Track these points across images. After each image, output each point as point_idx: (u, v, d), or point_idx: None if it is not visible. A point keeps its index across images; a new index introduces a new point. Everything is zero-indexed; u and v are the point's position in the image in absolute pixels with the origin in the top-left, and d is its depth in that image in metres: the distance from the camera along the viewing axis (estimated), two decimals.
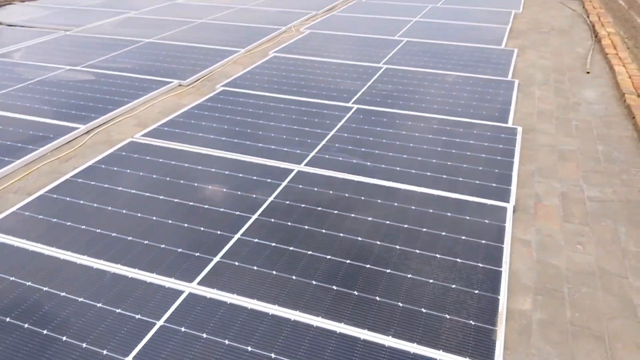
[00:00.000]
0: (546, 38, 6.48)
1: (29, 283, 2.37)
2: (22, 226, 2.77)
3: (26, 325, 2.13)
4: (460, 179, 3.21)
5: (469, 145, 3.64)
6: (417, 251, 2.55)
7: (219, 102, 4.44)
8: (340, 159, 3.48)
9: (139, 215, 2.86)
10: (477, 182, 3.17)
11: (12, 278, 2.40)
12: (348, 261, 2.48)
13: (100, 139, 3.85)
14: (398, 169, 3.32)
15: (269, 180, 3.21)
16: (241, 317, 2.16)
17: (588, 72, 5.24)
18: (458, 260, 2.49)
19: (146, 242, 2.64)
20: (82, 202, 2.99)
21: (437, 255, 2.52)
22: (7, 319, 2.16)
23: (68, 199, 3.02)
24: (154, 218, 2.84)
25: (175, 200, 3.01)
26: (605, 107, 4.37)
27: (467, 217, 2.82)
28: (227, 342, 2.04)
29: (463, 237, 2.65)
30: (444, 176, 3.23)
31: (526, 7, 8.25)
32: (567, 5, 8.38)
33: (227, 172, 3.31)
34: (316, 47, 6.01)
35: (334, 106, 4.34)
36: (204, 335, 2.07)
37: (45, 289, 2.33)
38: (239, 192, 3.08)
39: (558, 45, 6.16)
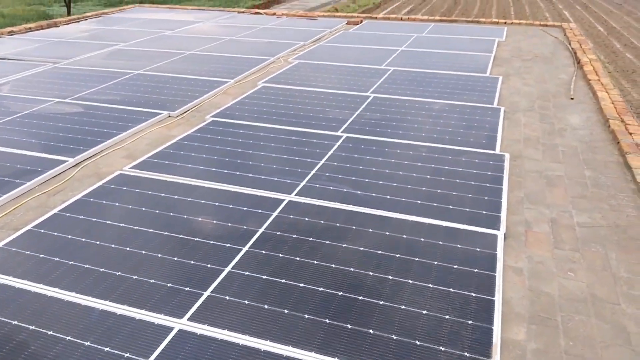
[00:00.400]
0: (530, 65, 6.63)
1: (15, 322, 2.30)
2: (8, 263, 2.72)
3: None
4: (451, 206, 3.22)
5: (457, 172, 3.67)
6: (410, 281, 2.54)
7: (208, 132, 4.45)
8: (331, 188, 3.48)
9: (128, 249, 2.82)
10: (467, 209, 3.18)
11: None
12: (340, 293, 2.46)
13: (89, 171, 3.82)
14: (388, 197, 3.33)
15: (259, 211, 3.20)
16: (233, 354, 2.11)
17: (572, 98, 5.35)
18: (451, 290, 2.48)
19: (135, 277, 2.60)
20: (70, 236, 2.94)
21: (430, 285, 2.51)
22: None
23: (56, 233, 2.97)
24: (143, 252, 2.80)
25: (165, 233, 2.98)
26: (590, 133, 4.45)
27: (459, 246, 2.82)
28: None
29: (455, 266, 2.65)
30: (434, 204, 3.25)
31: (509, 35, 8.46)
32: (548, 33, 8.61)
33: (217, 204, 3.29)
34: (305, 77, 6.08)
35: (323, 135, 4.37)
36: None
37: (31, 327, 2.27)
38: (229, 224, 3.06)
39: (541, 72, 6.30)
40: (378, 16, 10.17)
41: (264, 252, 2.79)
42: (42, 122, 4.67)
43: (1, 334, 2.23)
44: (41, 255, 2.78)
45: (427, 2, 27.24)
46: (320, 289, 2.49)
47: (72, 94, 5.46)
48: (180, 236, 2.94)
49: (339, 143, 4.20)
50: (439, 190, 3.41)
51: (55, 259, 2.74)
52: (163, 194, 3.41)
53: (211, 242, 2.89)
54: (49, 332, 2.25)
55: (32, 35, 8.49)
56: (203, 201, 3.32)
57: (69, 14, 15.12)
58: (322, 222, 3.08)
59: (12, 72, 6.35)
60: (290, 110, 4.99)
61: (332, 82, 5.87)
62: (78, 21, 9.86)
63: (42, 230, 3.01)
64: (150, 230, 3.00)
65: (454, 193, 3.38)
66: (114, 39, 8.16)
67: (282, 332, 2.23)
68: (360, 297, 2.43)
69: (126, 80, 5.96)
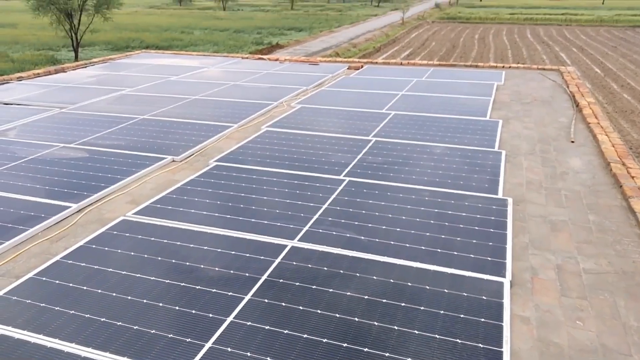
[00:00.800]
0: (529, 109, 6.72)
1: None
2: (8, 312, 2.68)
3: None
4: (455, 252, 3.19)
5: (461, 217, 3.66)
6: (416, 332, 2.49)
7: (212, 177, 4.48)
8: (334, 233, 3.47)
9: (129, 298, 2.79)
10: (472, 255, 3.16)
11: None
12: (345, 345, 2.41)
13: (92, 217, 3.83)
14: (392, 242, 3.31)
15: (262, 257, 3.18)
16: None
17: (572, 142, 5.40)
18: (458, 340, 2.43)
19: (136, 327, 2.55)
20: (71, 284, 2.92)
21: (437, 336, 2.46)
22: None
23: (57, 281, 2.95)
24: (144, 301, 2.77)
25: (167, 281, 2.95)
26: (592, 176, 4.47)
27: (464, 294, 2.78)
28: None
29: (462, 315, 2.60)
30: (439, 250, 3.22)
31: (507, 79, 8.62)
32: (546, 77, 8.78)
33: (219, 250, 3.27)
34: (307, 121, 6.17)
35: (326, 179, 4.39)
36: None
37: None
38: (232, 271, 3.04)
39: (541, 116, 6.38)
40: (378, 61, 10.41)
41: (266, 300, 2.75)
42: (46, 167, 4.71)
43: None
44: (42, 305, 2.74)
45: (425, 46, 27.92)
46: (324, 340, 2.44)
47: (77, 139, 5.53)
48: (182, 284, 2.91)
49: (341, 187, 4.22)
50: (442, 236, 3.40)
51: (56, 308, 2.71)
52: (166, 240, 3.39)
53: (213, 290, 2.86)
54: None
55: (40, 81, 8.68)
56: (206, 247, 3.30)
57: (76, 58, 15.52)
58: (325, 268, 3.05)
59: (19, 118, 6.46)
60: (294, 154, 5.03)
61: (334, 126, 5.95)
62: (85, 66, 10.11)
63: (44, 278, 2.98)
64: (152, 277, 2.98)
65: (458, 239, 3.36)
66: (120, 84, 8.34)
67: None
68: (366, 349, 2.38)
69: (131, 125, 6.05)
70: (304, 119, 6.26)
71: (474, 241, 3.33)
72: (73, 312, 2.68)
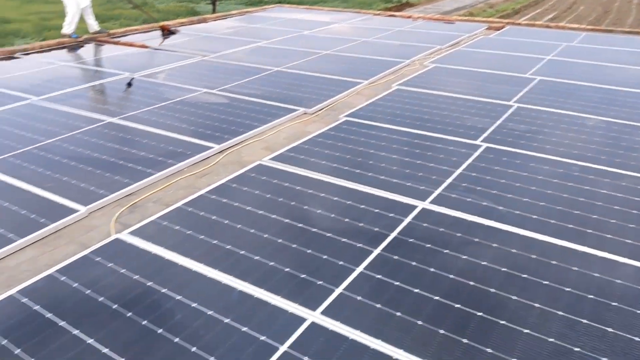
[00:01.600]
0: None
1: (164, 290, 2.49)
2: (160, 235, 2.96)
3: (159, 331, 2.24)
4: (608, 235, 2.87)
5: (616, 199, 3.28)
6: (560, 312, 2.30)
7: (342, 131, 4.49)
8: (469, 199, 3.30)
9: (265, 236, 2.93)
10: (629, 241, 2.82)
11: (150, 283, 2.55)
12: (480, 314, 2.30)
13: (232, 159, 4.06)
14: (534, 217, 3.07)
15: (391, 215, 3.13)
16: (364, 357, 2.07)
17: None
18: (609, 329, 2.20)
19: (271, 263, 2.68)
20: (214, 217, 3.13)
21: (584, 320, 2.25)
22: (144, 322, 2.28)
23: (202, 213, 3.18)
24: (279, 240, 2.89)
25: (299, 225, 3.04)
26: None
27: (618, 281, 2.50)
28: None
29: (614, 304, 2.35)
30: (589, 230, 2.92)
31: None
32: None
33: (348, 202, 3.29)
34: (441, 82, 5.89)
35: (460, 143, 4.18)
36: None
37: (178, 297, 2.44)
38: (361, 224, 3.04)
39: None
40: (521, 22, 9.55)
41: (396, 257, 2.72)
42: (191, 109, 5.06)
43: (151, 300, 2.43)
44: (188, 232, 2.99)
45: (572, 10, 25.12)
46: (456, 306, 2.36)
47: (218, 85, 5.86)
48: (313, 230, 2.98)
49: (478, 153, 3.98)
50: (594, 216, 3.07)
51: (201, 237, 2.93)
52: (298, 187, 3.49)
53: (343, 239, 2.89)
54: (193, 305, 2.40)
55: (184, 30, 9.28)
56: (335, 198, 3.34)
57: (214, 11, 16.36)
58: (458, 234, 2.92)
59: (166, 62, 6.99)
60: (425, 115, 4.85)
61: (471, 89, 5.61)
62: (224, 18, 10.60)
63: (190, 209, 3.24)
64: (286, 220, 3.09)
65: (612, 221, 3.02)
66: (256, 36, 8.62)
67: (416, 344, 2.14)
68: (502, 322, 2.25)
69: (266, 75, 6.25)
70: (437, 79, 5.99)
71: (631, 226, 2.97)
72: (215, 242, 2.88)
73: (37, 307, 2.39)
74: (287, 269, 2.63)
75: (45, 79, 6.24)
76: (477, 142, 4.21)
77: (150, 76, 6.30)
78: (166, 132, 4.49)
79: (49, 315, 2.34)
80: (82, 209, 3.24)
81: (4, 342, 2.19)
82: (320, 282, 2.53)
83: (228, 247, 2.83)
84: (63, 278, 2.59)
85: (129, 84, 5.96)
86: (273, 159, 3.95)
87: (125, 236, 2.94)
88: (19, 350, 2.14)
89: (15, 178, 3.66)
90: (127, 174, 3.72)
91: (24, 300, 2.44)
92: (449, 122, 4.65)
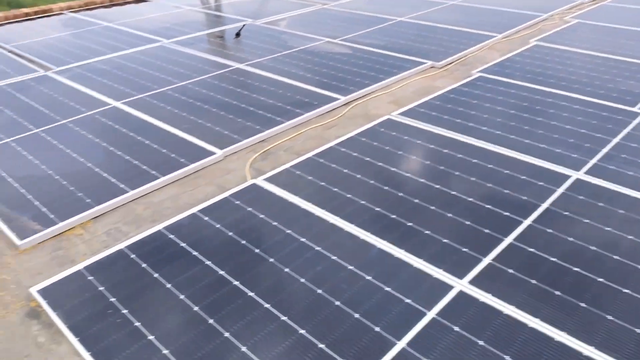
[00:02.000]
0: None
1: (303, 239, 2.47)
2: (294, 183, 2.94)
3: (302, 280, 2.22)
4: None
5: None
6: None
7: (476, 88, 4.16)
8: (630, 172, 2.91)
9: (401, 194, 2.79)
10: None
11: (289, 231, 2.54)
12: None
13: (358, 111, 3.92)
14: None
15: (540, 184, 2.85)
16: (522, 335, 1.91)
17: None
18: None
19: (410, 224, 2.55)
20: (345, 170, 3.05)
21: None
22: (286, 270, 2.28)
23: (333, 165, 3.11)
24: (415, 200, 2.74)
25: (436, 186, 2.86)
26: None
27: None
28: (508, 358, 1.82)
29: None
30: None
31: None
32: None
33: (490, 166, 3.04)
34: (586, 40, 5.24)
35: (614, 109, 3.69)
36: (481, 343, 1.89)
37: (317, 248, 2.41)
38: (506, 191, 2.79)
39: None
40: None
41: (549, 230, 2.47)
42: (315, 59, 4.96)
43: (293, 248, 2.42)
44: (321, 183, 2.93)
45: None
46: (624, 290, 2.09)
47: (339, 35, 5.68)
48: (452, 192, 2.80)
49: (637, 121, 3.50)
50: None
51: (334, 189, 2.86)
52: (432, 146, 3.29)
53: (487, 206, 2.67)
54: (332, 257, 2.35)
55: None
56: (475, 161, 3.10)
57: None
58: (621, 211, 2.59)
59: (287, 10, 6.91)
60: (570, 75, 4.34)
61: (621, 49, 4.93)
62: None
63: (321, 160, 3.18)
64: (421, 180, 2.93)
65: None
66: None
67: (581, 328, 1.93)
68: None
69: (390, 26, 5.95)
70: (581, 37, 5.33)
71: None
72: (349, 196, 2.80)
73: (183, 245, 2.48)
74: (427, 232, 2.49)
75: (174, 22, 6.46)
76: (635, 109, 3.69)
77: (274, 24, 6.27)
78: (292, 80, 4.44)
79: (195, 253, 2.42)
80: (218, 152, 3.31)
81: (156, 275, 2.30)
82: (464, 249, 2.37)
83: (362, 202, 2.74)
84: (206, 218, 2.66)
85: (238, 34, 5.81)
86: (402, 114, 3.75)
87: (262, 182, 2.95)
88: (169, 285, 2.24)
89: (154, 117, 3.82)
90: (258, 120, 3.73)
91: (171, 236, 2.55)
92: (599, 85, 4.13)
